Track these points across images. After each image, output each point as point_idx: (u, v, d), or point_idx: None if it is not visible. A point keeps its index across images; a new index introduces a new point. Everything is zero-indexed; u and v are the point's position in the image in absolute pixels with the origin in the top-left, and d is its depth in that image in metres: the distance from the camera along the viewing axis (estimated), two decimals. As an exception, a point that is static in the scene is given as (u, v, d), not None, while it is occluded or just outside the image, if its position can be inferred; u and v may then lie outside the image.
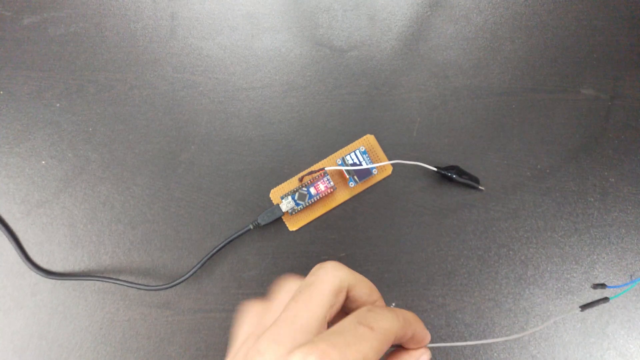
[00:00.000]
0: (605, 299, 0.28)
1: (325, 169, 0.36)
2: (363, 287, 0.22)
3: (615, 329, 0.37)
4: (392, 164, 0.39)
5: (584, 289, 0.37)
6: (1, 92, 0.39)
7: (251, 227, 0.36)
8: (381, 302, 0.23)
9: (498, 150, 0.39)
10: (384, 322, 0.19)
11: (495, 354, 0.36)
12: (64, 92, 0.40)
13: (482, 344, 0.36)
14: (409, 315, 0.21)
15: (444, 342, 0.23)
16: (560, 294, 0.37)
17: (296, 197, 0.36)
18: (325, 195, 0.37)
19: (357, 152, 0.38)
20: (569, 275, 0.37)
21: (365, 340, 0.18)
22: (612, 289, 0.32)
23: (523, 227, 0.38)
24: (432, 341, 0.22)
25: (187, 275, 0.35)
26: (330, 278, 0.20)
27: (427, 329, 0.21)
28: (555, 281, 0.37)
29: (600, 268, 0.37)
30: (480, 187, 0.38)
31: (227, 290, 0.37)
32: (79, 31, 0.40)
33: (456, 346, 0.34)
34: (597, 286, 0.30)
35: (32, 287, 0.37)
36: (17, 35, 0.40)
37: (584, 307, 0.27)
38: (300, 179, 0.38)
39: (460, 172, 0.37)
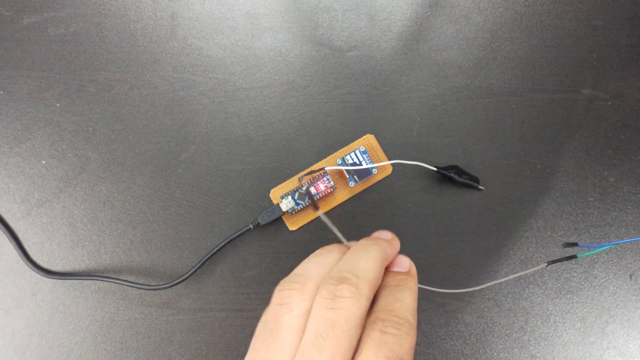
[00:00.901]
0: (574, 257, 0.29)
1: (325, 168, 0.36)
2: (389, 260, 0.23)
3: (614, 329, 0.37)
4: (392, 164, 0.39)
5: (583, 288, 0.37)
6: (1, 92, 0.39)
7: (251, 226, 0.36)
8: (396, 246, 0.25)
9: (498, 150, 0.39)
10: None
11: (495, 354, 0.36)
12: (64, 92, 0.40)
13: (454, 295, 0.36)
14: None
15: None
16: (560, 293, 0.37)
17: (296, 197, 0.36)
18: (325, 195, 0.37)
19: (357, 152, 0.38)
20: (568, 275, 0.37)
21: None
22: (583, 248, 0.33)
23: (523, 227, 0.38)
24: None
25: (187, 275, 0.35)
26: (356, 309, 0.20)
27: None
28: (554, 281, 0.37)
29: (600, 267, 0.37)
30: (480, 187, 0.38)
31: (227, 290, 0.37)
32: (79, 31, 0.40)
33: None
34: (568, 245, 0.31)
35: (32, 286, 0.37)
36: (17, 35, 0.40)
37: (550, 262, 0.28)
38: (300, 179, 0.38)
39: (460, 172, 0.37)
